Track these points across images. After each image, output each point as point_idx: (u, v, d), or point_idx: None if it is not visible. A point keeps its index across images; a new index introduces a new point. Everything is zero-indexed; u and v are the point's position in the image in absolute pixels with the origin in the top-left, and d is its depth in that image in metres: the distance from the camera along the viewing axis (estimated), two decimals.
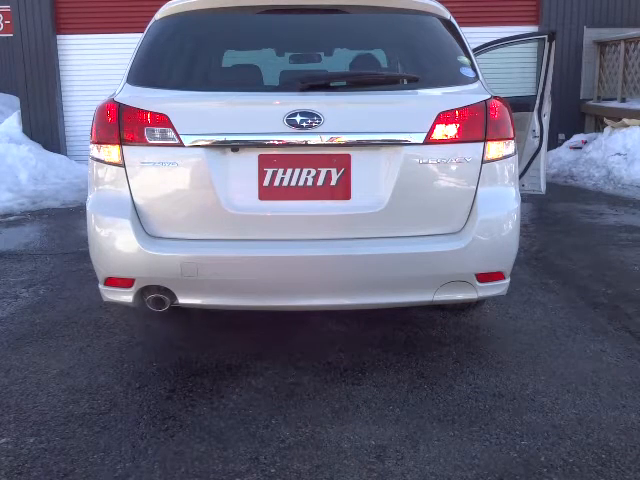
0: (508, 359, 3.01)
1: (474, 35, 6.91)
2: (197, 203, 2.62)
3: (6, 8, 10.07)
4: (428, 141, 2.60)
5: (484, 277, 2.71)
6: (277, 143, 2.56)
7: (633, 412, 2.53)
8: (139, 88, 2.77)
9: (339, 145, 2.58)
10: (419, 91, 2.83)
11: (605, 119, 9.04)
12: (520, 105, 5.06)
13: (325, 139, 2.56)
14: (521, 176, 5.36)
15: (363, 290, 2.70)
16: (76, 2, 9.76)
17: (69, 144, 10.06)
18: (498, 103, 2.69)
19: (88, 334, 3.35)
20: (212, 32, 3.09)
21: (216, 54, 3.52)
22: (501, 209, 2.73)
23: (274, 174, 2.60)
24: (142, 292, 2.67)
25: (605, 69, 9.83)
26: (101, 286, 2.76)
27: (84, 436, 2.39)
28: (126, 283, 2.67)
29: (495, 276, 2.74)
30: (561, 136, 9.69)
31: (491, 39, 6.00)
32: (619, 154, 8.15)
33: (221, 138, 2.57)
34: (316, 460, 2.23)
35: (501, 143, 2.68)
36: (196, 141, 2.57)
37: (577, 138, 9.42)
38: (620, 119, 8.68)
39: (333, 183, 2.61)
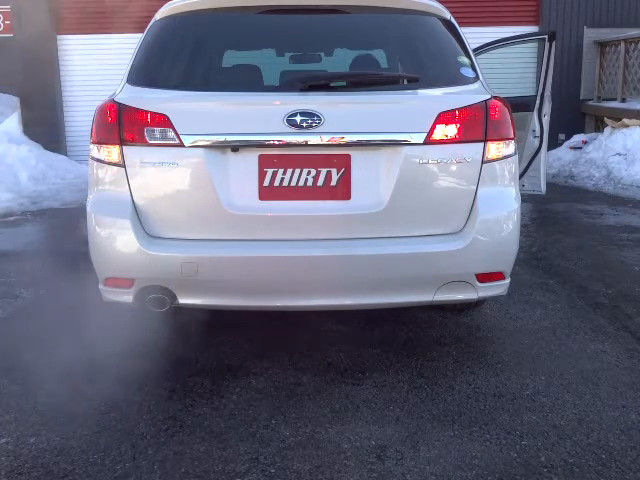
0: (508, 359, 3.01)
1: (474, 35, 6.91)
2: (197, 203, 2.62)
3: (6, 8, 10.07)
4: (428, 141, 2.60)
5: (484, 277, 2.71)
6: (277, 143, 2.56)
7: (633, 412, 2.53)
8: (139, 88, 2.77)
9: (339, 145, 2.58)
10: (419, 91, 2.83)
11: (605, 119, 9.03)
12: (520, 105, 5.06)
13: (325, 139, 2.56)
14: (521, 176, 5.36)
15: (363, 290, 2.70)
16: (76, 2, 9.75)
17: (69, 144, 10.06)
18: (498, 103, 2.69)
19: (88, 334, 3.35)
20: (212, 32, 3.10)
21: (216, 54, 3.52)
22: (501, 209, 2.73)
23: (274, 174, 2.60)
24: (142, 292, 2.67)
25: (605, 69, 9.83)
26: (101, 286, 2.76)
27: (84, 436, 2.39)
28: (126, 283, 2.67)
29: (495, 276, 2.75)
30: (561, 136, 9.69)
31: (491, 39, 6.00)
32: (619, 154, 8.15)
33: (221, 138, 2.57)
34: (316, 460, 2.23)
35: (501, 143, 2.68)
36: (196, 141, 2.57)
37: (577, 138, 9.41)
38: (620, 119, 8.68)
39: (333, 183, 2.61)
